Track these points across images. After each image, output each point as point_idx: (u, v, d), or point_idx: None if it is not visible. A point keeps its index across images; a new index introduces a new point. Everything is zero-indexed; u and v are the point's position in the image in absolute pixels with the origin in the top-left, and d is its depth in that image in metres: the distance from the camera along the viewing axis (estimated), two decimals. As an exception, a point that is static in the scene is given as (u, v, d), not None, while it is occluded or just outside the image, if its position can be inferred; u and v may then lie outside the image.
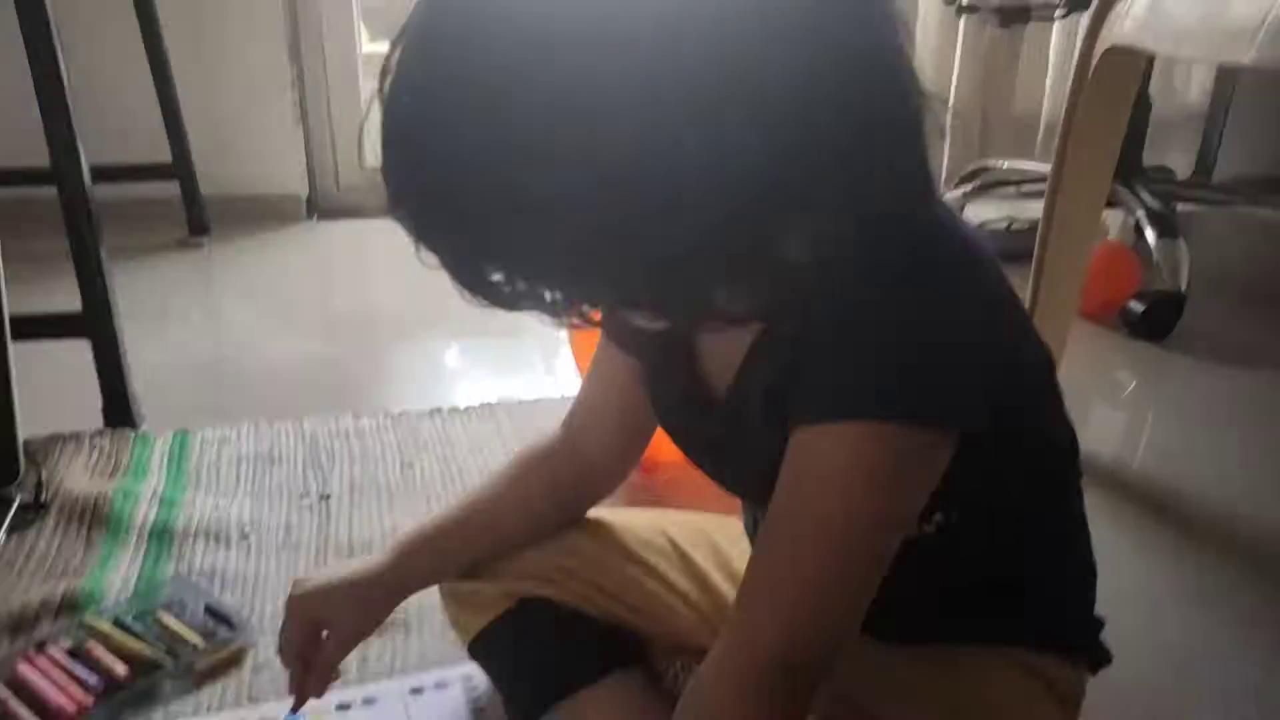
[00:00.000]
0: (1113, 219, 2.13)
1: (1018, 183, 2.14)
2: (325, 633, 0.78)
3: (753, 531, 0.78)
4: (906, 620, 0.65)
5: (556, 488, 0.83)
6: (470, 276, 0.51)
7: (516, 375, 1.62)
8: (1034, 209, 1.47)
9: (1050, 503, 0.70)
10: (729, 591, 0.81)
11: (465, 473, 1.26)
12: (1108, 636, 0.72)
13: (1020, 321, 0.65)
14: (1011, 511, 0.67)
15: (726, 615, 0.79)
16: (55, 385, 1.31)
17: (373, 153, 0.52)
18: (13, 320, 1.16)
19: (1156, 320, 1.76)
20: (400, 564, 0.80)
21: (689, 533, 0.87)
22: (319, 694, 0.79)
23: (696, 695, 0.62)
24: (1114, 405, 1.61)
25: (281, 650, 0.78)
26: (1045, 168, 1.32)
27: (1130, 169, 1.89)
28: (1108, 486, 1.28)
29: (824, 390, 0.56)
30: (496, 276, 0.51)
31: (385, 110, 0.50)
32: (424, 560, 0.81)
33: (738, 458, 0.67)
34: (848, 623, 0.59)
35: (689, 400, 0.69)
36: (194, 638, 0.93)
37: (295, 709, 0.79)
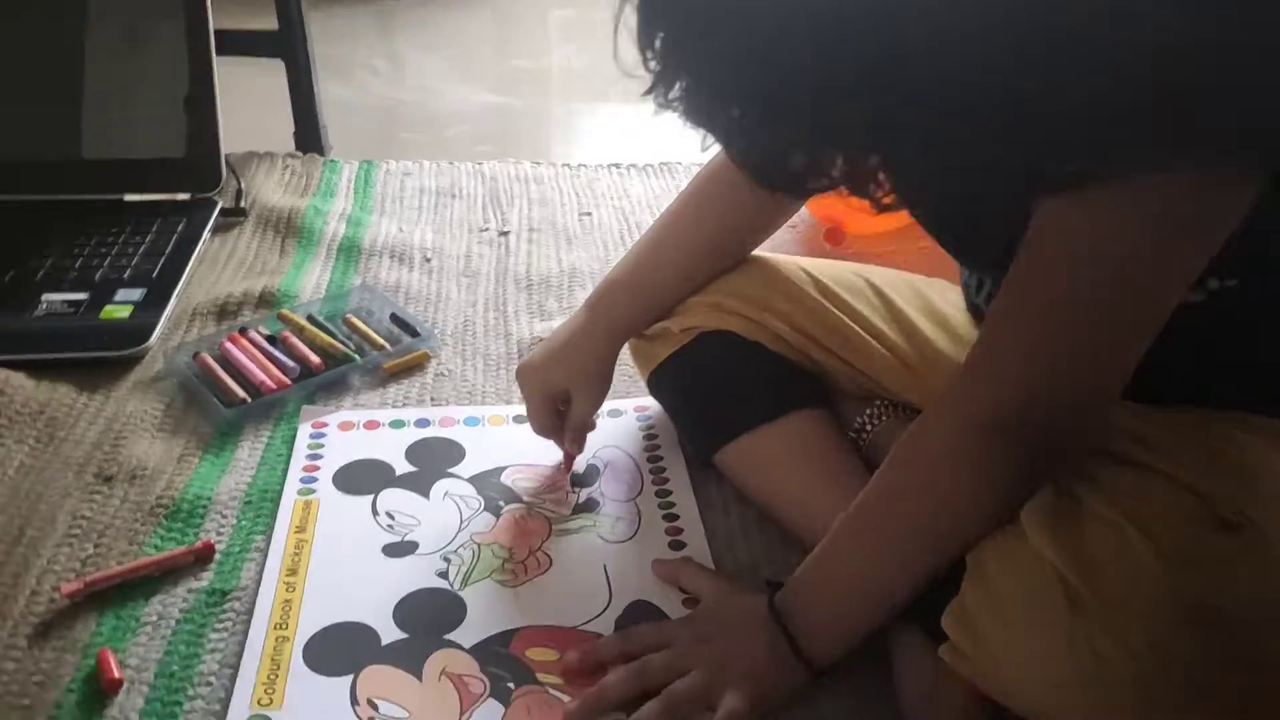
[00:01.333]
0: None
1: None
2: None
3: (975, 299, 0.70)
4: (1163, 384, 0.58)
5: (740, 205, 0.77)
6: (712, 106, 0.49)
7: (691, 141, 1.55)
8: None
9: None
10: (938, 338, 0.75)
11: (642, 225, 1.22)
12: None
13: None
14: None
15: (934, 363, 0.74)
16: (251, 108, 1.34)
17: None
18: (215, 35, 1.17)
19: None
20: (605, 313, 0.78)
21: (891, 278, 0.80)
22: (580, 450, 0.80)
23: (913, 445, 0.58)
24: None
25: (534, 427, 0.79)
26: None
27: None
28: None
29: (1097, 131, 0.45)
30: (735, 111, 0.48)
31: None
32: (625, 303, 0.78)
33: (972, 217, 0.59)
34: (1101, 385, 0.52)
35: None
36: (380, 341, 0.96)
37: (566, 470, 0.81)
